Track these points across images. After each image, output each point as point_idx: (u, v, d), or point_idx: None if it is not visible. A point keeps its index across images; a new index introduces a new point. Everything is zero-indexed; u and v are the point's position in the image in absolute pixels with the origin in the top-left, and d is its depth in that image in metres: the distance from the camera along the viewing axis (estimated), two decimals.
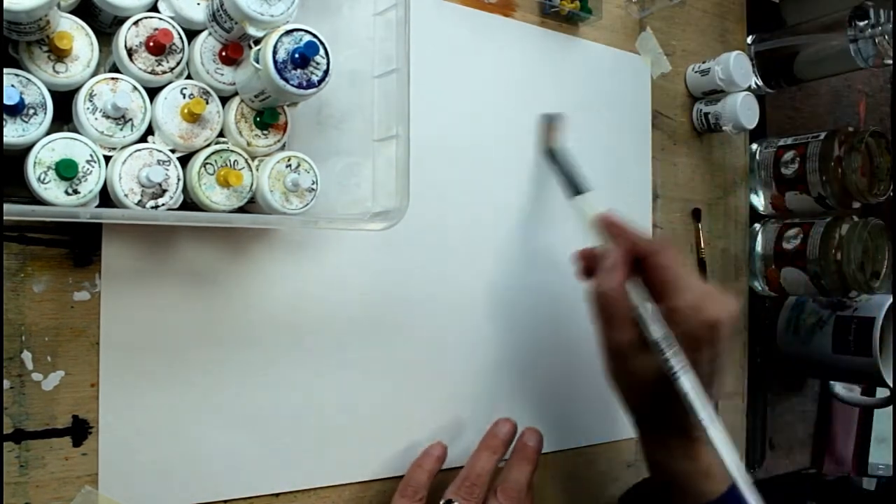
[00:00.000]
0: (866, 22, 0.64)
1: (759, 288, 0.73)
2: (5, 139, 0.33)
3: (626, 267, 0.47)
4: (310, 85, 0.38)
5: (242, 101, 0.40)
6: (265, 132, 0.41)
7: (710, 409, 0.43)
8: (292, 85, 0.38)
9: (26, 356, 0.38)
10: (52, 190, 0.35)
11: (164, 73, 0.38)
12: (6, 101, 0.33)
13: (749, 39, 0.74)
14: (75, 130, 0.36)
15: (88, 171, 0.35)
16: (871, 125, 0.86)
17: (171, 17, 0.38)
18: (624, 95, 0.64)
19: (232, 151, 0.40)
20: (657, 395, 0.45)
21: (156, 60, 0.38)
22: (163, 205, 0.37)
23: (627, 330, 0.45)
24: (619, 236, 0.48)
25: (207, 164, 0.39)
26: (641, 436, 0.49)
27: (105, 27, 0.38)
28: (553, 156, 0.56)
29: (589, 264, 0.50)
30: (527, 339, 0.57)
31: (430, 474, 0.47)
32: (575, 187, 0.54)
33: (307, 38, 0.38)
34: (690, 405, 0.43)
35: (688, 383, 0.43)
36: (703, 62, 0.67)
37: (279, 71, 0.37)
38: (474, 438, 0.54)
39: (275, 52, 0.37)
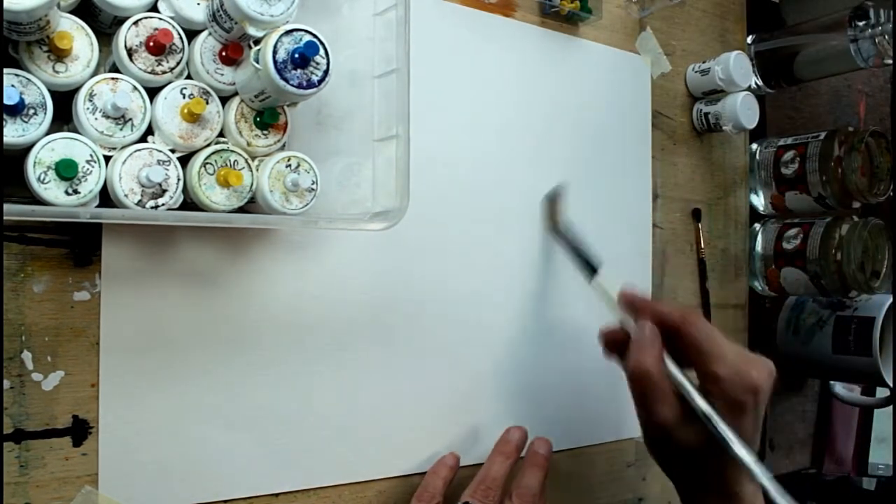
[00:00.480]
0: (866, 22, 0.64)
1: (759, 288, 0.73)
2: (5, 139, 0.33)
3: (659, 341, 0.46)
4: (310, 85, 0.38)
5: (242, 101, 0.40)
6: (265, 132, 0.41)
7: (764, 469, 0.43)
8: (292, 85, 0.38)
9: (26, 356, 0.38)
10: (52, 190, 0.35)
11: (164, 73, 0.38)
12: (6, 101, 0.33)
13: (749, 39, 0.74)
14: (75, 130, 0.36)
15: (88, 171, 0.35)
16: (871, 125, 0.86)
17: (171, 17, 0.38)
18: (624, 95, 0.64)
19: (232, 151, 0.40)
20: (703, 461, 0.45)
21: (156, 60, 0.38)
22: (163, 205, 0.37)
23: (669, 405, 0.45)
24: (646, 311, 0.48)
25: (207, 164, 0.39)
26: (684, 498, 0.50)
27: (105, 27, 0.38)
28: (560, 234, 0.56)
29: (615, 342, 0.50)
30: (527, 339, 0.57)
31: (445, 481, 0.48)
32: (588, 266, 0.54)
33: (307, 38, 0.38)
34: (749, 469, 0.43)
35: (742, 450, 0.43)
36: (703, 62, 0.67)
37: (279, 71, 0.37)
38: (474, 437, 0.54)
39: (275, 52, 0.37)
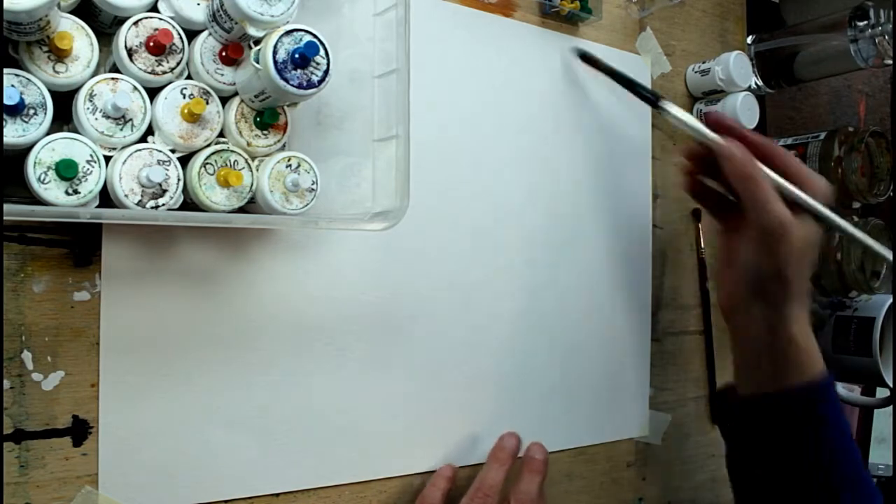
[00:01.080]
0: (866, 22, 0.64)
1: None
2: (5, 139, 0.33)
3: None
4: (310, 85, 0.38)
5: (242, 101, 0.40)
6: (265, 132, 0.41)
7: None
8: (292, 85, 0.38)
9: (26, 356, 0.38)
10: (52, 190, 0.35)
11: (164, 73, 0.38)
12: (6, 101, 0.33)
13: (749, 39, 0.74)
14: (75, 130, 0.36)
15: (88, 172, 0.35)
16: (871, 125, 0.85)
17: (171, 18, 0.38)
18: (624, 95, 0.63)
19: (232, 151, 0.40)
20: (808, 262, 0.48)
21: (156, 60, 0.38)
22: (163, 205, 0.37)
23: (781, 202, 0.46)
24: (734, 131, 0.50)
25: (207, 164, 0.39)
26: (775, 317, 0.48)
27: (105, 27, 0.38)
28: (617, 74, 0.57)
29: (699, 159, 0.52)
30: (527, 339, 0.57)
31: (444, 493, 0.49)
32: (651, 97, 0.54)
33: (307, 38, 0.38)
34: (851, 233, 0.49)
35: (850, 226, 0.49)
36: (703, 62, 0.67)
37: (279, 71, 0.37)
38: (474, 437, 0.54)
39: (275, 53, 0.37)
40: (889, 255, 0.51)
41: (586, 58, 0.59)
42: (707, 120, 0.51)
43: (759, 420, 0.49)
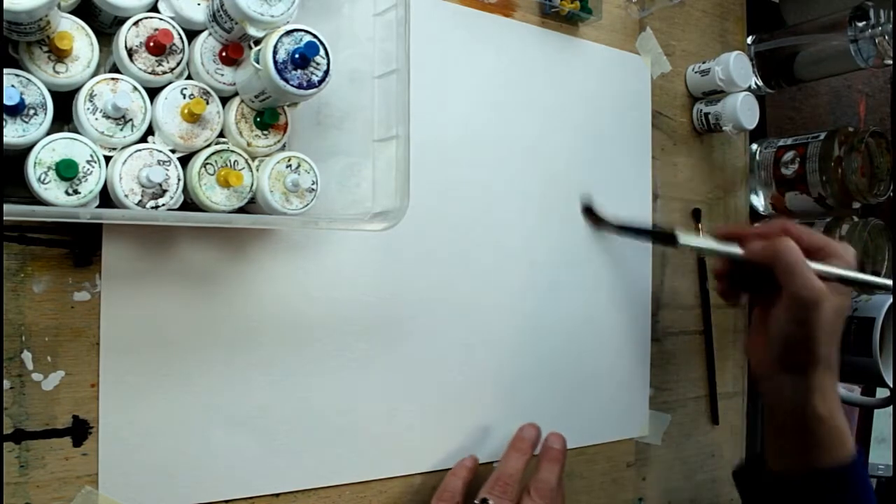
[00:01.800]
0: (866, 22, 0.64)
1: None
2: (5, 139, 0.33)
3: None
4: (310, 85, 0.38)
5: (242, 101, 0.40)
6: (265, 132, 0.41)
7: None
8: (292, 85, 0.38)
9: (26, 356, 0.38)
10: (52, 190, 0.35)
11: (165, 73, 0.38)
12: (6, 102, 0.33)
13: (749, 39, 0.74)
14: (75, 131, 0.36)
15: (89, 172, 0.35)
16: (871, 125, 0.86)
17: (172, 18, 0.38)
18: (624, 95, 0.64)
19: (232, 152, 0.40)
20: (838, 333, 0.49)
21: (156, 61, 0.38)
22: (163, 205, 0.37)
23: (815, 277, 0.47)
24: (747, 234, 0.52)
25: (208, 164, 0.39)
26: (803, 388, 0.48)
27: (105, 27, 0.38)
28: (620, 228, 0.59)
29: (729, 275, 0.54)
30: (527, 339, 0.57)
31: (465, 482, 0.49)
32: (665, 236, 0.56)
33: (307, 38, 0.38)
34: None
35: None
36: (703, 62, 0.67)
37: (279, 71, 0.37)
38: (474, 437, 0.54)
39: (275, 53, 0.37)
40: None
41: (590, 213, 0.60)
42: (719, 235, 0.53)
43: (788, 497, 0.49)
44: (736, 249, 0.51)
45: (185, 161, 0.39)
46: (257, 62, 0.37)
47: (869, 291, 0.50)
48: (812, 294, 0.46)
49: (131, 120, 0.37)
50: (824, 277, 0.47)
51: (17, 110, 0.34)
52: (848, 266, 0.49)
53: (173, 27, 0.38)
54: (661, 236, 0.57)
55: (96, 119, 0.36)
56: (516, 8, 0.57)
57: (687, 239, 0.55)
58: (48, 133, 0.35)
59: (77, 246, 0.40)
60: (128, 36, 0.37)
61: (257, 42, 0.39)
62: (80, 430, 0.39)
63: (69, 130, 0.36)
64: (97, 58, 0.36)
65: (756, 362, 0.52)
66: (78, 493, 0.39)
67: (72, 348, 0.39)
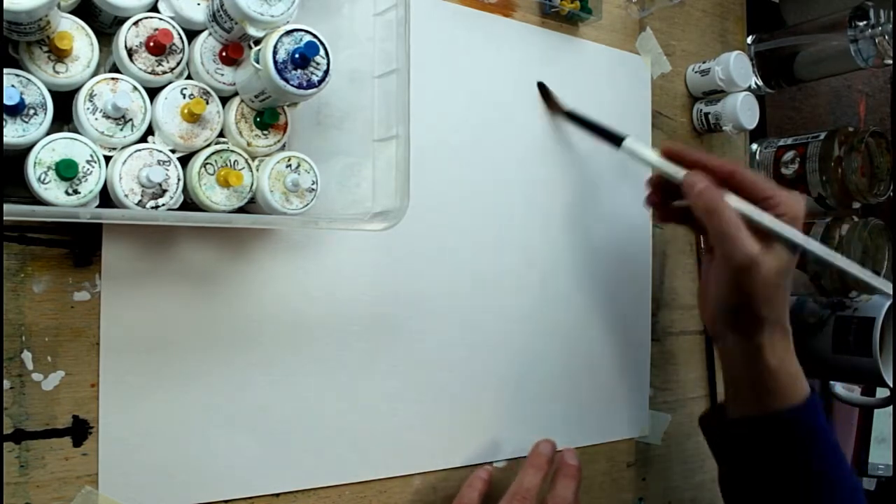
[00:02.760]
0: (866, 22, 0.64)
1: None
2: (5, 139, 0.33)
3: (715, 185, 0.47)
4: (310, 85, 0.38)
5: (242, 101, 0.40)
6: (265, 132, 0.41)
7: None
8: (292, 85, 0.38)
9: (26, 356, 0.38)
10: (52, 190, 0.35)
11: (165, 73, 0.38)
12: (6, 101, 0.33)
13: (749, 39, 0.74)
14: (75, 130, 0.36)
15: (89, 172, 0.35)
16: (871, 125, 0.86)
17: (171, 18, 0.38)
18: (624, 95, 0.64)
19: (232, 151, 0.40)
20: (781, 291, 0.47)
21: (156, 60, 0.38)
22: (163, 205, 0.37)
23: (749, 235, 0.45)
24: (694, 160, 0.49)
25: (207, 164, 0.39)
26: (751, 346, 0.48)
27: (105, 27, 0.38)
28: (574, 116, 0.57)
29: (660, 192, 0.52)
30: (527, 339, 0.57)
31: (481, 494, 0.49)
32: (614, 136, 0.54)
33: (307, 38, 0.38)
34: (830, 261, 0.47)
35: (823, 248, 0.48)
36: (703, 62, 0.67)
37: (279, 71, 0.37)
38: (474, 436, 0.54)
39: (275, 53, 0.37)
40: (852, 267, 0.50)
41: (544, 91, 0.58)
42: (664, 152, 0.51)
43: (747, 442, 0.50)
44: (679, 173, 0.49)
45: (185, 161, 0.39)
46: (257, 62, 0.37)
47: (811, 254, 0.48)
48: (744, 259, 0.45)
49: (131, 120, 0.37)
50: (764, 233, 0.46)
51: (17, 110, 0.34)
52: (794, 220, 0.46)
53: (173, 27, 0.38)
54: (608, 136, 0.55)
55: (96, 119, 0.36)
56: (516, 8, 0.57)
57: (633, 145, 0.52)
58: (48, 133, 0.35)
59: (77, 246, 0.40)
60: (128, 36, 0.37)
61: (257, 42, 0.39)
62: (80, 430, 0.39)
63: (69, 130, 0.36)
64: (97, 58, 0.36)
65: (705, 318, 0.52)
66: (78, 493, 0.39)
67: (72, 348, 0.39)
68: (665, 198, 0.53)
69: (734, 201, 0.47)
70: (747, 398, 0.49)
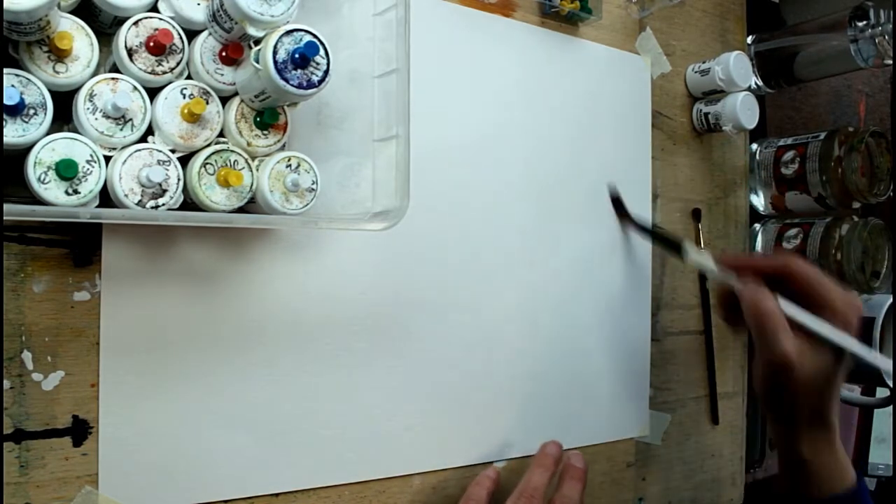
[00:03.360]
0: (866, 22, 0.64)
1: None
2: (5, 139, 0.33)
3: (765, 287, 0.47)
4: (310, 85, 0.38)
5: (242, 101, 0.40)
6: (265, 132, 0.41)
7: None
8: (292, 85, 0.38)
9: (26, 356, 0.38)
10: (52, 190, 0.35)
11: (165, 73, 0.38)
12: (6, 101, 0.33)
13: (749, 39, 0.74)
14: (75, 130, 0.36)
15: (88, 171, 0.35)
16: (871, 125, 0.86)
17: (171, 18, 0.38)
18: (624, 95, 0.64)
19: (232, 151, 0.40)
20: (814, 390, 0.46)
21: (156, 60, 0.38)
22: (163, 205, 0.37)
23: (791, 336, 0.45)
24: (746, 267, 0.50)
25: (207, 164, 0.39)
26: (788, 436, 0.49)
27: (105, 27, 0.38)
28: (638, 225, 0.61)
29: (727, 303, 0.52)
30: (527, 339, 0.57)
31: (489, 492, 0.50)
32: (674, 246, 0.56)
33: (307, 38, 0.38)
34: (883, 369, 0.48)
35: (878, 355, 0.48)
36: (703, 62, 0.67)
37: (279, 71, 0.37)
38: (473, 436, 0.54)
39: (275, 53, 0.37)
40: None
41: (617, 203, 0.61)
42: (721, 262, 0.52)
43: None
44: (733, 280, 0.50)
45: (184, 161, 0.39)
46: (257, 62, 0.37)
47: (854, 356, 0.47)
48: (781, 361, 0.45)
49: (131, 120, 0.37)
50: (810, 333, 0.46)
51: (17, 110, 0.34)
52: (846, 326, 0.46)
53: (173, 27, 0.38)
54: (670, 244, 0.58)
55: (96, 119, 0.36)
56: (516, 8, 0.57)
57: (692, 256, 0.54)
58: (48, 133, 0.35)
59: (77, 246, 0.40)
60: (128, 36, 0.37)
61: (257, 42, 0.39)
62: (80, 430, 0.39)
63: (69, 130, 0.36)
64: (97, 58, 0.36)
65: (758, 397, 0.53)
66: (78, 493, 0.39)
67: (72, 348, 0.39)
68: (731, 308, 0.53)
69: (782, 302, 0.47)
70: (787, 478, 0.50)
